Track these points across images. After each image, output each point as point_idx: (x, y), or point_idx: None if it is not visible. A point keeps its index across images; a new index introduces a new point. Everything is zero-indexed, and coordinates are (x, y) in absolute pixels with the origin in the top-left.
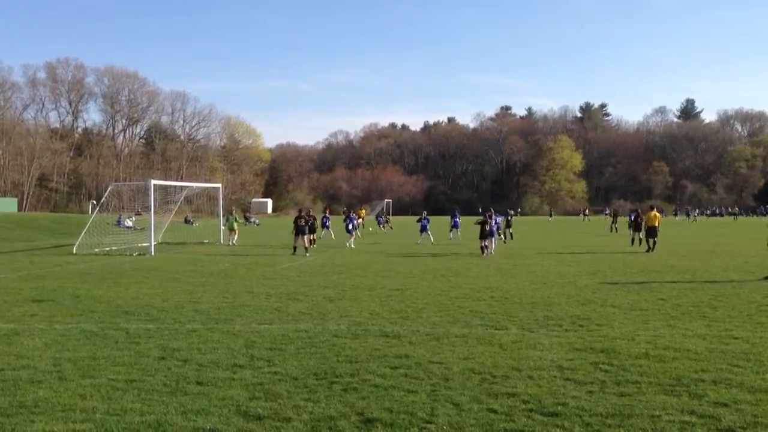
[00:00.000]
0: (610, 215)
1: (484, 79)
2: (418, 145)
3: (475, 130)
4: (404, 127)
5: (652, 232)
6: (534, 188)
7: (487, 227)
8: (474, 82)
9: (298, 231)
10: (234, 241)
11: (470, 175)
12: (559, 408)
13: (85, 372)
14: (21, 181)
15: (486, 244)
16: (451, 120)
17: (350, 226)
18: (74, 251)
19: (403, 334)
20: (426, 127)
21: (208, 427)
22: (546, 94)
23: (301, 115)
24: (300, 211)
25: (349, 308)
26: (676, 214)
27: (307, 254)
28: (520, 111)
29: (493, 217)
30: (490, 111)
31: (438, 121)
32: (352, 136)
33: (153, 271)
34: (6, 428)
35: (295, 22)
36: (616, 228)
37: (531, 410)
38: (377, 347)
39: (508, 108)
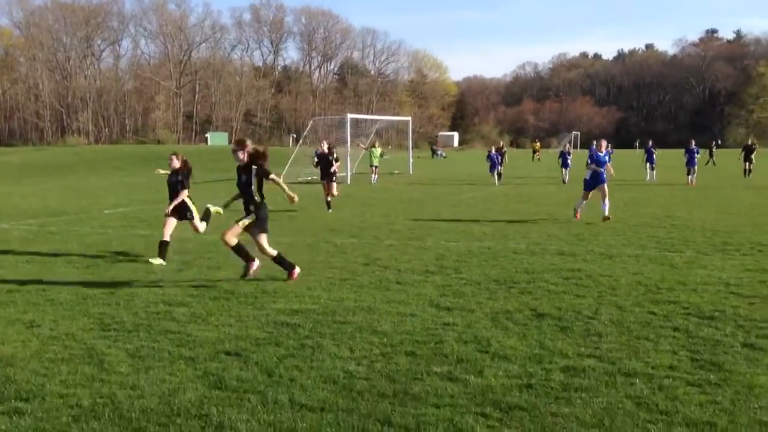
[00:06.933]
0: None
1: None
2: (611, 75)
3: (674, 56)
4: (596, 56)
5: None
6: (740, 118)
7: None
8: (675, 2)
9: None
10: (374, 180)
11: (667, 106)
12: (716, 314)
13: (308, 272)
14: (230, 117)
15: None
16: (648, 47)
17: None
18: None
19: (578, 253)
20: (620, 56)
21: (408, 312)
22: (760, 14)
23: (487, 47)
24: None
25: (529, 231)
26: None
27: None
28: (727, 34)
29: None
30: (693, 35)
31: (634, 49)
32: (540, 68)
33: (350, 198)
34: (257, 305)
35: None
36: None
37: (689, 314)
38: (553, 263)
39: (714, 31)
